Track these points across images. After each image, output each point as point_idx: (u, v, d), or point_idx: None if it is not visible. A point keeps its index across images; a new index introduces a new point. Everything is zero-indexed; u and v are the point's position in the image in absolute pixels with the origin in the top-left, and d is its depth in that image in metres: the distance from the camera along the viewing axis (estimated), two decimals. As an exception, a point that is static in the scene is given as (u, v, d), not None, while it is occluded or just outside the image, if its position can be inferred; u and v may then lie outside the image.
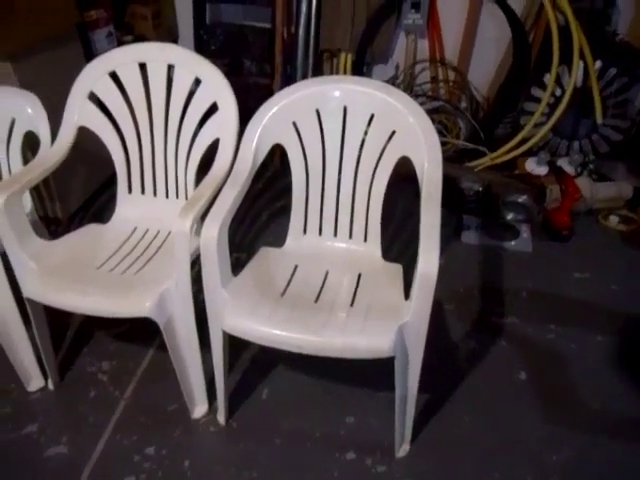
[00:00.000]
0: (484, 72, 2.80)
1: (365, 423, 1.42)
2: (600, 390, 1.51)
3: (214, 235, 1.13)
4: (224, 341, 1.24)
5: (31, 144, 1.51)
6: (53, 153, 1.41)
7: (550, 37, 2.44)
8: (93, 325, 1.69)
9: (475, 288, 1.90)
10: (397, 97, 1.28)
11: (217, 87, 1.37)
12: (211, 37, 2.67)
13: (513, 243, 2.11)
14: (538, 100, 2.49)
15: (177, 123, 1.44)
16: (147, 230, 1.50)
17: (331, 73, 2.83)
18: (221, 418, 1.41)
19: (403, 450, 1.34)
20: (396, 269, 1.36)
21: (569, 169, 2.47)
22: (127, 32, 2.60)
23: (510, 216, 2.25)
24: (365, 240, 1.42)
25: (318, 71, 2.76)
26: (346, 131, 1.34)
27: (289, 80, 2.69)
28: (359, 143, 1.34)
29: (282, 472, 1.31)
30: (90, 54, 2.24)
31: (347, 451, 1.35)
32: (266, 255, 1.41)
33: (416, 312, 1.12)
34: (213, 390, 1.39)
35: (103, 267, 1.35)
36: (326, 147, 1.36)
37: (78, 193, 2.24)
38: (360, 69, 2.65)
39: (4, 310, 1.37)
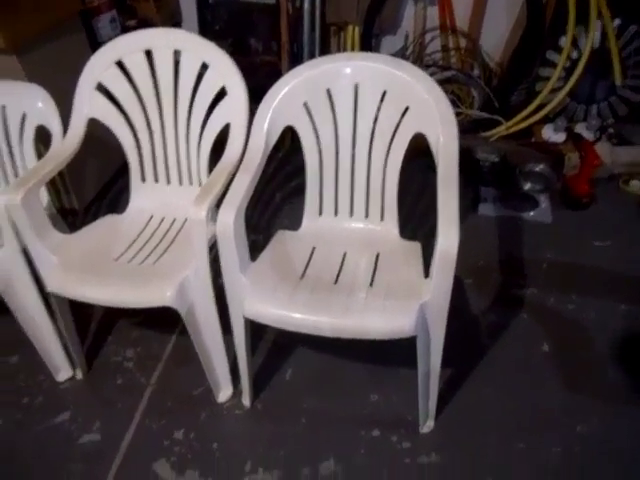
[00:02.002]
0: (496, 37, 2.72)
1: (389, 400, 1.43)
2: (624, 360, 1.50)
3: (230, 222, 1.13)
4: (245, 326, 1.25)
5: (43, 138, 1.52)
6: (65, 146, 1.41)
7: (565, -2, 2.35)
8: (115, 314, 1.72)
9: (494, 261, 1.88)
10: (409, 72, 1.25)
11: (225, 71, 1.35)
12: (215, 17, 2.63)
13: (532, 213, 2.08)
14: (554, 64, 2.42)
15: (187, 109, 1.42)
16: (163, 218, 1.50)
17: (338, 48, 2.78)
18: (246, 401, 1.43)
19: (427, 426, 1.35)
20: (414, 247, 1.35)
21: (587, 134, 2.41)
22: (130, 16, 2.56)
23: (528, 186, 2.21)
24: (382, 219, 1.41)
25: (325, 46, 2.71)
26: (358, 109, 1.31)
27: (296, 57, 2.65)
28: (372, 121, 1.31)
29: (309, 451, 1.33)
30: (95, 41, 2.22)
31: (372, 429, 1.37)
32: (283, 238, 1.41)
33: (436, 290, 1.11)
34: (237, 373, 1.41)
35: (121, 258, 1.36)
36: (338, 126, 1.34)
37: (92, 183, 2.25)
38: (368, 42, 2.59)
39: (30, 304, 1.39)
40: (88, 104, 1.44)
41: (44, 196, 1.54)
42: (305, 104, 1.32)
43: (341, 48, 2.76)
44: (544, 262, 1.86)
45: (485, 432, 1.35)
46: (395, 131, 1.30)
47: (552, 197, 2.14)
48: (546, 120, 2.51)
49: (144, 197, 1.54)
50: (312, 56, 2.64)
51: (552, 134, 2.42)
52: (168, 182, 1.53)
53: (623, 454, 1.28)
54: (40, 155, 1.54)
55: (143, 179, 1.53)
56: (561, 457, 1.28)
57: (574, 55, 2.39)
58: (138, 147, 1.49)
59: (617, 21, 2.30)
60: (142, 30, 1.41)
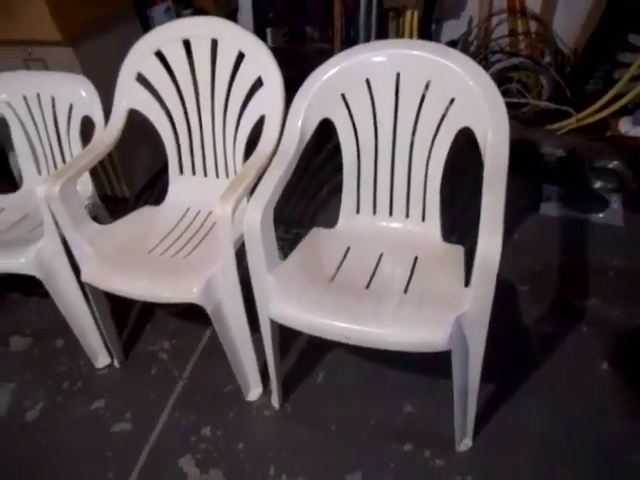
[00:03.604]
0: (572, 20, 2.49)
1: (424, 413, 1.34)
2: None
3: (257, 219, 1.08)
4: (272, 327, 1.20)
5: (91, 128, 1.54)
6: (105, 137, 1.41)
7: (652, -27, 2.10)
8: (153, 305, 1.72)
9: (554, 267, 1.72)
10: (456, 60, 1.14)
11: (261, 61, 1.29)
12: (269, 5, 2.58)
13: (601, 215, 1.89)
14: (637, 49, 2.17)
15: (223, 100, 1.38)
16: (199, 211, 1.48)
17: (397, 33, 2.66)
18: (275, 402, 1.39)
19: (464, 445, 1.26)
20: (456, 251, 1.25)
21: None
22: (186, 5, 2.56)
23: (598, 184, 2.01)
24: (423, 219, 1.31)
25: (383, 32, 2.59)
26: (400, 101, 1.22)
27: (352, 44, 2.55)
28: (414, 113, 1.21)
29: (336, 459, 1.27)
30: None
31: (404, 442, 1.29)
32: (317, 236, 1.34)
33: (476, 301, 1.01)
34: (267, 373, 1.37)
35: (155, 251, 1.35)
36: (378, 119, 1.25)
37: (143, 172, 2.28)
38: (428, 27, 2.46)
39: (69, 292, 1.41)
40: (128, 95, 1.44)
41: (89, 185, 1.57)
42: (343, 95, 1.24)
43: (399, 34, 2.64)
44: (610, 270, 1.68)
45: (527, 456, 1.23)
46: (439, 124, 1.20)
47: (625, 198, 1.94)
48: (624, 112, 2.27)
49: (181, 189, 1.52)
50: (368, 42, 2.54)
51: (631, 127, 2.19)
52: (205, 174, 1.50)
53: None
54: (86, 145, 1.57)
55: (181, 171, 1.52)
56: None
57: (661, 39, 2.13)
58: (176, 139, 1.47)
59: None
60: (180, 19, 1.38)
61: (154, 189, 2.30)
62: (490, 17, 2.59)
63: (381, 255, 1.26)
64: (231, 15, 2.86)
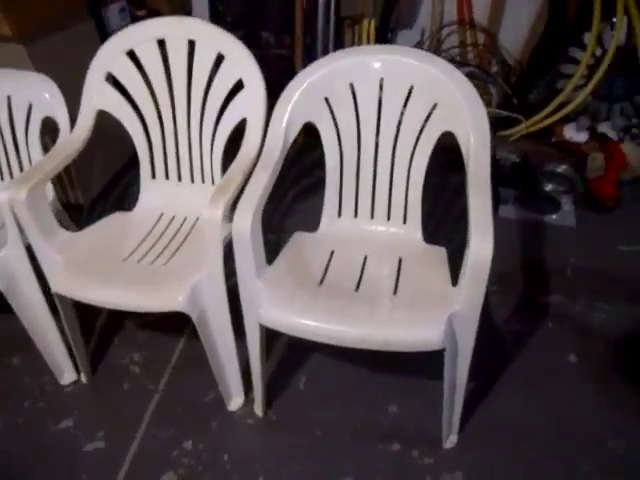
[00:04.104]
0: (516, 33, 2.63)
1: (409, 412, 1.36)
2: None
3: (247, 223, 1.06)
4: (261, 333, 1.18)
5: (49, 130, 1.45)
6: (73, 139, 1.34)
7: (589, -8, 2.26)
8: (121, 315, 1.65)
9: (517, 266, 1.80)
10: (439, 66, 1.17)
11: (242, 63, 1.27)
12: (226, 8, 2.55)
13: (554, 217, 2.00)
14: (577, 61, 2.33)
15: (200, 103, 1.35)
16: (173, 217, 1.44)
17: (352, 42, 2.70)
18: (258, 410, 1.36)
19: (450, 441, 1.28)
20: (439, 252, 1.28)
21: (611, 134, 2.33)
22: (140, 6, 2.49)
23: (550, 187, 2.13)
24: (404, 222, 1.34)
25: (339, 40, 2.63)
26: (383, 105, 1.24)
27: (309, 51, 2.57)
28: (397, 118, 1.24)
29: (325, 464, 1.26)
30: (104, 31, 2.15)
31: (392, 442, 1.30)
32: (300, 240, 1.33)
33: (468, 300, 1.04)
34: (249, 381, 1.34)
35: (130, 258, 1.29)
36: (361, 123, 1.26)
37: (98, 178, 2.18)
38: (384, 36, 2.51)
39: (33, 304, 1.32)
40: (97, 95, 1.37)
41: (50, 191, 1.48)
42: (326, 99, 1.24)
43: (355, 42, 2.69)
44: (569, 267, 1.78)
45: (512, 449, 1.28)
46: (422, 129, 1.23)
47: (575, 199, 2.06)
48: (567, 119, 2.43)
49: (154, 194, 1.47)
50: (326, 50, 2.56)
51: (574, 133, 2.34)
52: (179, 179, 1.46)
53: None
54: (46, 148, 1.48)
55: (153, 175, 1.46)
56: (592, 475, 1.21)
57: (597, 52, 2.30)
58: (149, 142, 1.42)
59: (644, 17, 2.21)
60: (155, 19, 1.33)
61: (110, 195, 2.21)
62: (441, 28, 2.69)
63: (365, 257, 1.27)
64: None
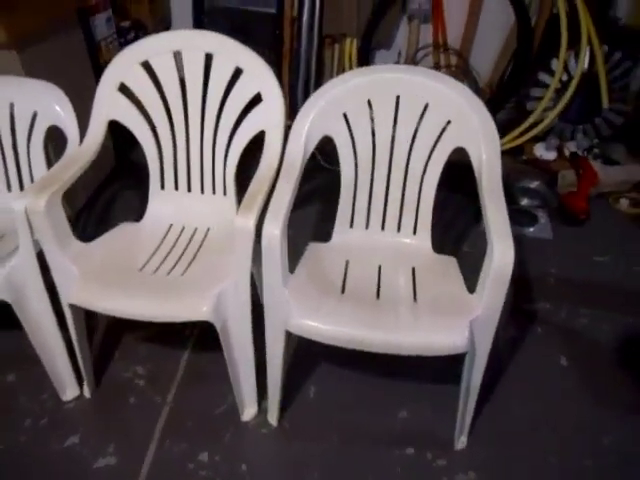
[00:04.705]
0: (487, 58, 2.80)
1: (419, 417, 1.41)
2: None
3: (277, 233, 1.09)
4: (286, 341, 1.20)
5: (51, 139, 1.42)
6: (85, 149, 1.32)
7: (554, 22, 2.45)
8: (121, 327, 1.62)
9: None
10: (452, 86, 1.25)
11: (261, 77, 1.30)
12: (213, 24, 2.57)
13: (532, 229, 2.12)
14: (545, 85, 2.50)
15: (215, 115, 1.37)
16: (183, 227, 1.43)
17: (332, 60, 2.78)
18: (273, 419, 1.37)
19: (461, 443, 1.34)
20: (450, 262, 1.35)
21: (570, 153, 2.51)
22: (124, 17, 2.47)
23: (525, 202, 2.27)
24: (414, 233, 1.40)
25: (319, 57, 2.70)
26: (398, 121, 1.30)
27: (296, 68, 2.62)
28: (412, 134, 1.30)
29: (343, 471, 1.28)
30: (91, 40, 2.13)
31: (406, 446, 1.34)
32: (315, 251, 1.37)
33: (488, 307, 1.11)
34: (260, 391, 1.35)
35: (145, 269, 1.28)
36: (377, 138, 1.32)
37: (82, 190, 2.13)
38: (366, 55, 2.61)
39: (42, 316, 1.28)
40: (108, 105, 1.36)
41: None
42: (344, 114, 1.29)
43: (335, 61, 2.77)
44: (551, 277, 1.90)
45: (517, 448, 1.34)
46: (435, 144, 1.30)
47: (550, 213, 2.20)
48: (535, 138, 2.60)
49: (163, 204, 1.46)
50: (308, 68, 2.63)
51: (544, 152, 2.51)
52: (189, 190, 1.46)
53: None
54: (48, 157, 1.45)
55: (162, 186, 1.46)
56: (592, 469, 1.29)
57: (563, 77, 2.48)
58: (159, 152, 1.42)
59: (605, 48, 2.41)
60: (172, 32, 1.35)
61: (94, 208, 2.16)
62: (417, 51, 2.82)
63: (380, 267, 1.32)
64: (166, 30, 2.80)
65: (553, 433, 1.38)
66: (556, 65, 2.43)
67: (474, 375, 1.22)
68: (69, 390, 1.41)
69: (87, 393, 1.42)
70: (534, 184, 2.34)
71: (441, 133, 1.28)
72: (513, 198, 2.29)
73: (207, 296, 1.15)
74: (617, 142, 2.60)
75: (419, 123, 1.29)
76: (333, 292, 1.21)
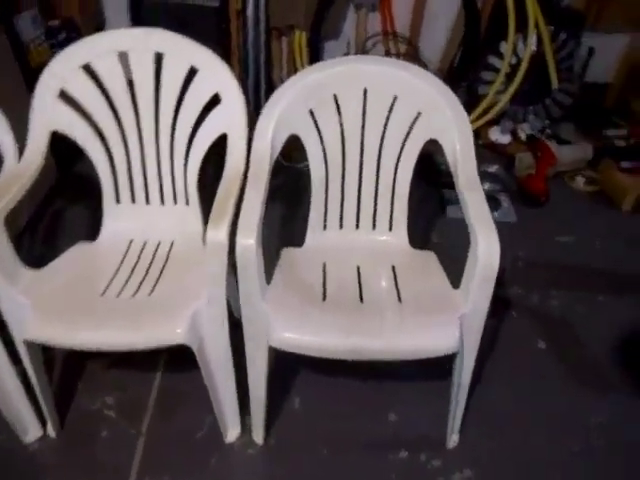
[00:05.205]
0: (436, 43, 2.79)
1: (408, 419, 1.37)
2: (616, 348, 1.56)
3: (252, 243, 1.01)
4: (269, 357, 1.13)
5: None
6: (25, 165, 1.19)
7: (501, 5, 2.46)
8: (82, 356, 1.49)
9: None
10: (421, 76, 1.21)
11: (218, 76, 1.21)
12: (151, 19, 2.41)
13: (496, 214, 2.13)
14: (495, 69, 2.52)
15: (170, 120, 1.26)
16: (145, 243, 1.33)
17: (281, 53, 2.70)
18: (258, 438, 1.30)
19: (453, 441, 1.31)
20: (429, 257, 1.31)
21: (525, 134, 2.54)
22: (52, 16, 2.28)
23: (487, 186, 2.27)
24: (390, 229, 1.35)
25: (268, 51, 2.61)
26: (367, 115, 1.24)
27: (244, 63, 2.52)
28: (382, 128, 1.25)
29: (336, 482, 1.23)
30: (17, 43, 1.94)
31: (398, 450, 1.30)
32: (290, 256, 1.29)
33: (476, 303, 1.08)
34: (243, 407, 1.28)
35: (107, 293, 1.17)
36: (346, 134, 1.26)
37: (22, 209, 1.96)
38: (316, 47, 2.53)
39: (-9, 357, 1.15)
40: (49, 115, 1.23)
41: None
42: (310, 111, 1.22)
43: (284, 53, 2.69)
44: (519, 260, 1.91)
45: (508, 439, 1.33)
46: (406, 137, 1.25)
47: (512, 197, 2.22)
48: (488, 122, 2.61)
49: (120, 220, 1.34)
50: (257, 62, 2.53)
51: (499, 136, 2.52)
52: (147, 202, 1.35)
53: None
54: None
55: (117, 200, 1.34)
56: (583, 452, 1.30)
57: (513, 60, 2.50)
58: (111, 165, 1.30)
59: (550, 29, 2.44)
60: (116, 30, 1.23)
61: (38, 227, 1.99)
62: (366, 40, 2.77)
63: (358, 268, 1.27)
64: (99, 28, 2.62)
65: (541, 420, 1.38)
66: (505, 48, 2.44)
67: (464, 373, 1.18)
68: (32, 431, 1.28)
69: (52, 432, 1.30)
70: (493, 168, 2.35)
71: (412, 125, 1.23)
72: (474, 184, 2.28)
73: (180, 317, 1.06)
74: (567, 122, 2.65)
75: (389, 116, 1.24)
76: (314, 300, 1.15)
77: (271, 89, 2.56)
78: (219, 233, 1.00)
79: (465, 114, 1.20)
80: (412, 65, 1.21)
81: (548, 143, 2.33)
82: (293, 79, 1.21)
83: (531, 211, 2.17)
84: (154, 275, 1.23)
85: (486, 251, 1.02)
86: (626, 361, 1.52)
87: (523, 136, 2.50)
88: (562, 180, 2.35)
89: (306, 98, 1.21)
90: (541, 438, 1.33)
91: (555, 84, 2.49)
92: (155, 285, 1.19)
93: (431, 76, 1.21)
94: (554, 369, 1.51)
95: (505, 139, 2.52)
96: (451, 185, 2.23)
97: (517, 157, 2.35)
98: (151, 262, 1.27)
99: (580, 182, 2.32)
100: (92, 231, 1.35)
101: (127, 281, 1.20)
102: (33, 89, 1.22)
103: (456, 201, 2.16)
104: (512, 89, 2.45)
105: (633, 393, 1.44)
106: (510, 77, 2.50)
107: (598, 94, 2.85)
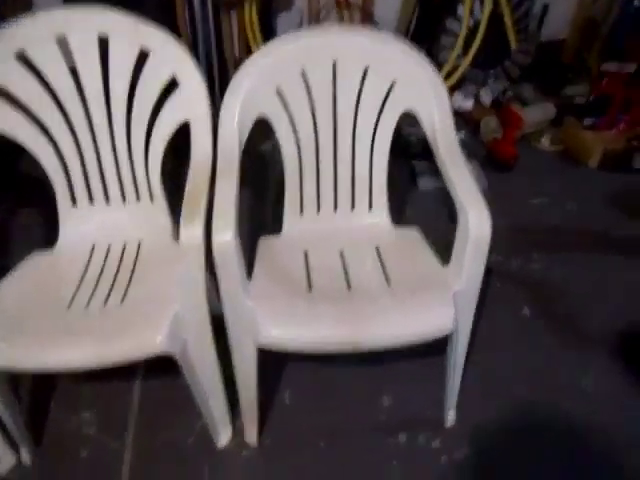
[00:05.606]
0: (390, 9, 2.70)
1: (402, 401, 1.34)
2: (601, 307, 1.57)
3: (230, 239, 0.93)
4: (258, 357, 1.06)
5: None
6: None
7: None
8: (49, 375, 1.38)
9: (448, 233, 1.86)
10: (393, 45, 1.14)
11: (172, 58, 1.11)
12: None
13: (467, 181, 2.10)
14: (454, 33, 2.46)
15: (123, 109, 1.15)
16: (109, 246, 1.22)
17: (230, 29, 2.55)
18: (251, 439, 1.24)
19: (451, 418, 1.28)
20: (413, 234, 1.26)
21: (488, 98, 2.51)
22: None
23: (455, 154, 2.23)
24: (370, 209, 1.29)
25: (218, 28, 2.47)
26: (338, 89, 1.16)
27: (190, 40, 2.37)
28: (354, 102, 1.17)
29: (341, 475, 1.19)
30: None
31: (397, 434, 1.27)
32: (268, 246, 1.22)
33: (469, 279, 1.04)
34: (232, 408, 1.23)
35: (74, 305, 1.07)
36: (317, 111, 1.18)
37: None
38: (269, 20, 2.41)
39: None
40: (-16, 114, 1.10)
41: None
42: (277, 89, 1.13)
43: (234, 29, 2.55)
44: (496, 227, 1.88)
45: (503, 409, 1.32)
46: (381, 110, 1.18)
47: (481, 163, 2.19)
48: (452, 88, 2.56)
49: (78, 224, 1.23)
50: (207, 38, 2.39)
51: (462, 102, 2.48)
52: (107, 201, 1.24)
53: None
54: None
55: (74, 202, 1.22)
56: (574, 414, 1.30)
57: (470, 23, 2.45)
58: (63, 163, 1.18)
59: (505, -13, 2.39)
60: (48, 12, 1.09)
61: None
62: (319, 10, 2.66)
63: (342, 252, 1.21)
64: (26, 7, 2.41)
65: (535, 386, 1.37)
66: (462, 11, 2.38)
67: (458, 351, 1.15)
68: (3, 460, 1.18)
69: (26, 460, 1.20)
70: (460, 135, 2.31)
71: (387, 96, 1.16)
72: (442, 152, 2.25)
73: (159, 324, 0.98)
74: (526, 82, 2.63)
75: (361, 89, 1.16)
76: (300, 292, 1.08)
77: (224, 70, 2.43)
78: (194, 232, 0.92)
79: (441, 81, 1.14)
80: (382, 33, 1.14)
81: (514, 107, 2.30)
82: (256, 56, 1.11)
83: (501, 176, 2.15)
84: (124, 280, 1.13)
85: (477, 224, 0.98)
86: (610, 319, 1.53)
87: (486, 100, 2.46)
88: (527, 142, 2.34)
89: (272, 76, 1.12)
90: (537, 407, 1.32)
91: (514, 44, 2.45)
92: (126, 291, 1.10)
93: (403, 44, 1.13)
94: (541, 334, 1.51)
95: (468, 104, 2.48)
96: (421, 156, 2.22)
97: (482, 122, 2.32)
98: (119, 266, 1.17)
99: (545, 142, 2.31)
100: (46, 239, 1.24)
101: (94, 290, 1.11)
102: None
103: (427, 173, 2.16)
104: (472, 52, 2.41)
105: (614, 351, 1.45)
106: (469, 41, 2.45)
107: (555, 52, 2.84)
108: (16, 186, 2.01)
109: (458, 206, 1.03)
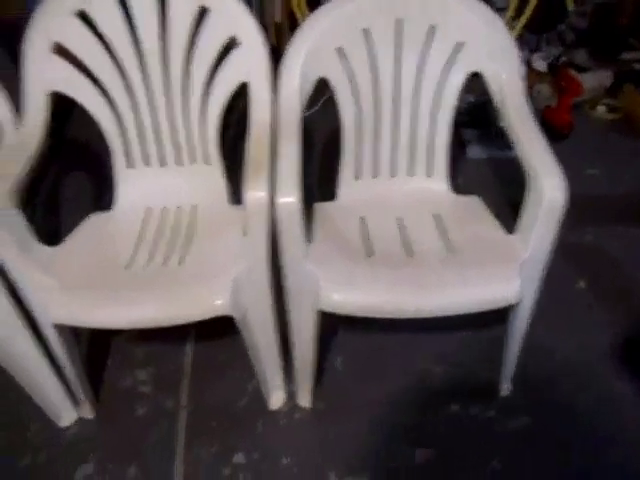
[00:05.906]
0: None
1: (454, 369, 1.33)
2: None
3: (294, 201, 0.92)
4: (317, 320, 1.06)
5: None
6: (28, 132, 1.07)
7: None
8: (107, 331, 1.41)
9: (501, 203, 1.80)
10: (461, 1, 1.07)
11: (233, 16, 1.07)
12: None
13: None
14: (507, -5, 2.34)
15: (181, 69, 1.13)
16: (164, 208, 1.22)
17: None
18: (306, 401, 1.25)
19: (506, 389, 1.27)
20: (475, 201, 1.22)
21: (541, 64, 2.40)
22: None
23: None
24: (428, 175, 1.25)
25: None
26: (402, 50, 1.12)
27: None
28: (418, 62, 1.13)
29: (393, 443, 1.19)
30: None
31: (448, 403, 1.26)
32: (324, 212, 1.20)
33: (537, 248, 1.01)
34: (285, 371, 1.23)
35: (134, 265, 1.08)
36: (379, 72, 1.14)
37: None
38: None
39: (18, 340, 1.06)
40: (44, 74, 1.10)
41: None
42: (339, 49, 1.10)
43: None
44: (548, 198, 1.82)
45: (559, 384, 1.29)
46: (447, 71, 1.13)
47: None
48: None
49: (134, 186, 1.23)
50: (249, 1, 2.33)
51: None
52: (163, 164, 1.24)
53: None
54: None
55: (130, 164, 1.22)
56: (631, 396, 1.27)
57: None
58: (119, 124, 1.18)
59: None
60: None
61: (37, 199, 1.86)
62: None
63: (400, 219, 1.18)
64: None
65: (592, 361, 1.34)
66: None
67: (520, 322, 1.12)
68: (65, 415, 1.22)
69: (88, 413, 1.24)
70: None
71: (453, 57, 1.11)
72: (491, 119, 2.17)
73: (221, 286, 0.98)
74: (580, 48, 2.50)
75: (425, 49, 1.11)
76: (360, 257, 1.06)
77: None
78: (259, 193, 0.91)
79: (512, 43, 1.09)
80: (451, -11, 1.08)
81: (572, 72, 2.20)
82: (315, 15, 1.07)
83: (555, 145, 2.06)
84: (181, 243, 1.13)
85: (551, 191, 0.93)
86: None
87: (540, 66, 2.36)
88: (581, 110, 2.24)
89: (333, 36, 1.08)
90: (595, 383, 1.29)
91: (571, 5, 2.32)
92: (184, 254, 1.10)
93: (474, 1, 1.08)
94: (596, 308, 1.46)
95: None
96: (470, 124, 2.14)
97: (535, 89, 2.22)
98: (175, 229, 1.17)
99: (601, 111, 2.21)
100: (107, 199, 1.25)
101: (153, 251, 1.11)
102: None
103: (476, 141, 2.09)
104: (527, 14, 2.29)
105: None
106: (522, 4, 2.33)
107: (611, 14, 2.69)
108: (68, 152, 2.03)
109: (531, 172, 0.99)
